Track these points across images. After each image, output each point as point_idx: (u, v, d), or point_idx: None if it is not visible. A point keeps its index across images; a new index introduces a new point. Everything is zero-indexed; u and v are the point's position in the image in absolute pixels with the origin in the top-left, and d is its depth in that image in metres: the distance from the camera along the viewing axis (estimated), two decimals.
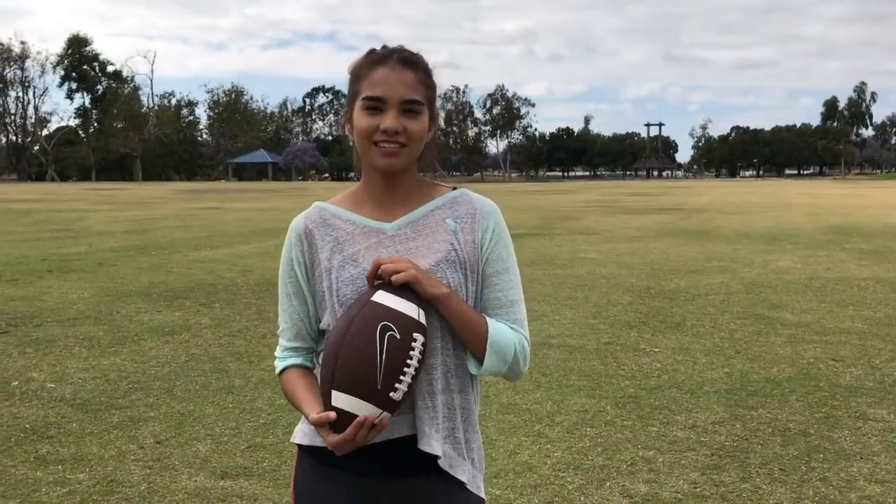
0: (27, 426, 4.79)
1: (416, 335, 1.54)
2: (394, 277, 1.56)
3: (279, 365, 1.79)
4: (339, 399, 1.53)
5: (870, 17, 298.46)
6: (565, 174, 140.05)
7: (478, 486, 1.71)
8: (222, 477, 4.01)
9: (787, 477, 4.01)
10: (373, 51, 1.71)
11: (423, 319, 1.57)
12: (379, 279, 1.60)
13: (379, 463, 1.66)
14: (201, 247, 15.08)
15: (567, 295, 9.40)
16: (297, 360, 1.77)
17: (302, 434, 1.74)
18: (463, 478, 1.67)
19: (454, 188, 1.80)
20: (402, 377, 1.53)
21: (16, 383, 5.70)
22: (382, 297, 1.56)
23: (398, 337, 1.52)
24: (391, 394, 1.53)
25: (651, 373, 5.95)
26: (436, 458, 1.64)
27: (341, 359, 1.54)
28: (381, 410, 1.54)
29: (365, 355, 1.52)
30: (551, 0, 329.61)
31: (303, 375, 1.75)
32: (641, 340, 7.03)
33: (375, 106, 1.65)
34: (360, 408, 1.52)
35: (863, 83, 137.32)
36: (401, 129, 1.64)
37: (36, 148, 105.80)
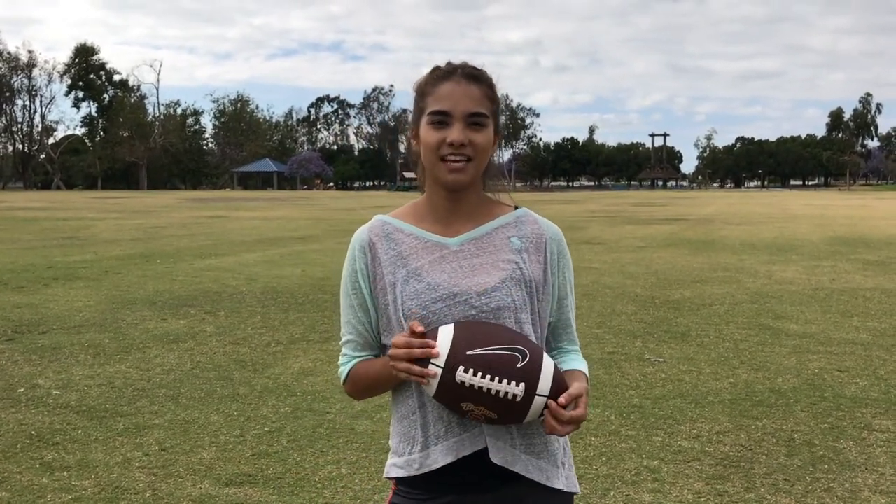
0: (33, 433, 4.80)
1: (538, 399, 1.56)
2: (565, 429, 1.58)
3: (345, 368, 1.78)
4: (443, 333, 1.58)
5: (876, 29, 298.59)
6: (570, 184, 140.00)
7: (574, 484, 1.76)
8: (227, 484, 4.02)
9: (791, 487, 4.01)
10: (437, 67, 1.73)
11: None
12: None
13: (473, 477, 1.68)
14: (206, 255, 15.13)
15: None
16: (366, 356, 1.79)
17: (396, 469, 1.74)
18: (559, 484, 1.71)
19: (516, 207, 1.82)
20: (486, 375, 1.53)
21: (21, 390, 5.72)
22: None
23: (522, 365, 1.55)
24: (457, 374, 1.54)
25: (655, 382, 5.95)
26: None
27: (475, 325, 1.60)
28: (439, 371, 1.55)
29: (493, 333, 1.57)
30: (557, 10, 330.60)
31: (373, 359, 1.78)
32: (646, 350, 7.03)
33: (442, 120, 1.66)
34: (444, 341, 1.56)
35: (868, 94, 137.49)
36: (467, 142, 1.65)
37: (42, 156, 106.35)
